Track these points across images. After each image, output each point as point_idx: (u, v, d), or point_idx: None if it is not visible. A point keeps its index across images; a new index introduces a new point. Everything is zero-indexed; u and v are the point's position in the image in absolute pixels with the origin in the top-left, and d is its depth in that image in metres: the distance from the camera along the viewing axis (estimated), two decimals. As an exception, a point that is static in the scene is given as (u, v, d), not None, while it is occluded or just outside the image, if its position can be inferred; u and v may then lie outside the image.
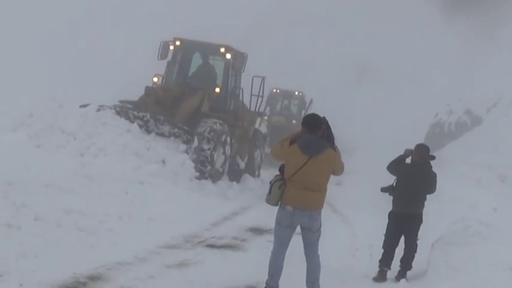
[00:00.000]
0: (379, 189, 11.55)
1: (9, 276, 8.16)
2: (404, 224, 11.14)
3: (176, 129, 18.68)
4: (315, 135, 8.49)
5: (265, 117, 34.76)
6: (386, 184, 11.43)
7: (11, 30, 40.43)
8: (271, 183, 8.62)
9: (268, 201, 8.67)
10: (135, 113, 18.65)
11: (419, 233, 11.31)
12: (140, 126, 18.27)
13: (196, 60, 22.82)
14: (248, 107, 23.08)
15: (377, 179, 13.85)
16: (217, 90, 21.54)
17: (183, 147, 18.34)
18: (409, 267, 11.20)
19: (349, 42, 48.68)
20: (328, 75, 46.35)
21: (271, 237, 9.31)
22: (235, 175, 21.98)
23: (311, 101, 35.63)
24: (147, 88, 20.15)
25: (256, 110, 22.89)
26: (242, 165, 22.61)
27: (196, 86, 21.20)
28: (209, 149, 18.51)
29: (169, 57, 21.94)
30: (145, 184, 15.22)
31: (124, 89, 22.62)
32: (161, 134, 18.50)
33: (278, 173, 8.84)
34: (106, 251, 10.27)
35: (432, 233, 12.46)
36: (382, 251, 11.29)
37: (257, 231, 14.25)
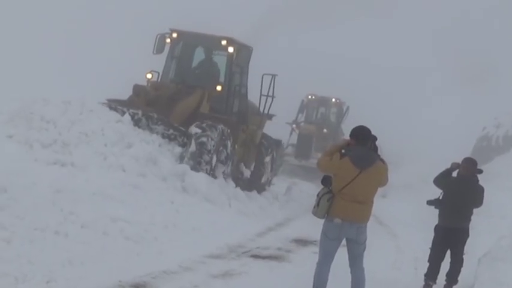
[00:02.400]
0: (426, 203, 11.44)
1: (56, 283, 8.24)
2: (450, 238, 11.02)
3: (171, 130, 16.82)
4: (365, 147, 8.45)
5: (294, 125, 34.20)
6: (432, 197, 11.32)
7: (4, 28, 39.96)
8: (319, 196, 8.57)
9: (315, 213, 8.62)
10: (125, 109, 16.75)
11: (465, 247, 11.17)
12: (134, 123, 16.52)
13: (196, 55, 20.56)
14: (258, 109, 20.71)
15: (423, 192, 13.77)
16: (219, 88, 19.07)
17: (178, 150, 16.55)
18: (455, 282, 11.06)
19: (388, 47, 47.90)
20: (365, 80, 45.60)
21: (316, 249, 9.28)
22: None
23: (347, 108, 34.84)
24: (136, 87, 17.79)
25: (266, 111, 20.56)
26: (247, 173, 20.09)
27: (195, 84, 19.13)
28: (210, 157, 16.60)
29: (166, 52, 19.85)
30: (191, 193, 15.28)
31: (119, 87, 19.95)
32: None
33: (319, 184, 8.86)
34: (151, 259, 10.32)
35: (479, 247, 12.30)
36: (428, 264, 11.18)
37: (301, 242, 14.21)
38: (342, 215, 8.39)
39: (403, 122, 43.19)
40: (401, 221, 18.88)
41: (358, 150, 8.39)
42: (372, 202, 8.67)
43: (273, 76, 20.00)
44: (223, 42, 19.05)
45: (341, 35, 47.77)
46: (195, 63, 20.33)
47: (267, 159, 21.07)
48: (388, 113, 42.11)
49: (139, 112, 16.70)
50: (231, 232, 13.56)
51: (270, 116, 21.20)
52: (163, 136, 16.59)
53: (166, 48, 19.71)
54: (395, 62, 47.88)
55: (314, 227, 9.60)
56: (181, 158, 16.20)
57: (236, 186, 17.76)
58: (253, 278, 10.46)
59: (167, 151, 16.18)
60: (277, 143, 22.56)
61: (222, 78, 19.62)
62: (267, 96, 20.17)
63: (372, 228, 8.86)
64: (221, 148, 17.33)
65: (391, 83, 48.05)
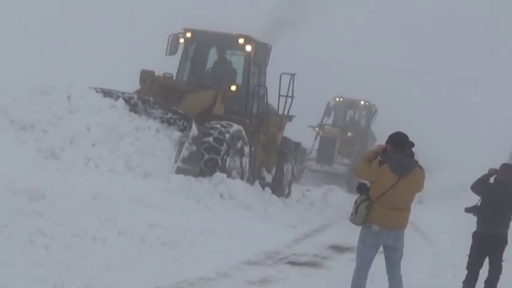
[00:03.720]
0: (463, 209, 11.34)
1: (94, 289, 8.32)
2: (488, 244, 10.90)
3: (170, 114, 15.62)
4: (403, 154, 8.40)
5: (316, 129, 32.75)
6: (470, 204, 11.22)
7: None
8: (357, 203, 8.52)
9: (353, 220, 8.58)
10: (120, 93, 15.80)
11: (504, 254, 11.06)
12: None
13: (211, 55, 19.53)
14: (276, 110, 19.71)
15: (460, 199, 13.67)
16: (233, 88, 18.03)
17: (177, 135, 15.28)
18: (494, 289, 10.97)
19: (422, 48, 47.21)
20: (394, 82, 44.79)
21: (353, 256, 9.25)
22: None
23: (375, 111, 34.00)
24: (143, 72, 16.63)
25: (285, 113, 19.60)
26: (268, 178, 19.34)
27: (211, 86, 18.19)
28: (222, 150, 15.71)
29: (179, 53, 18.89)
30: (226, 199, 15.31)
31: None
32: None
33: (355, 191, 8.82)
34: (188, 265, 10.33)
35: (518, 254, 12.18)
36: (466, 272, 11.09)
37: (338, 249, 14.15)
38: (380, 221, 8.35)
39: (437, 126, 42.54)
40: (438, 228, 18.73)
41: (397, 157, 8.33)
42: (410, 209, 8.62)
43: (292, 75, 19.20)
44: (241, 41, 18.29)
45: (366, 33, 47.14)
46: (210, 63, 19.51)
47: (288, 163, 20.37)
48: (421, 117, 41.50)
49: (135, 96, 15.81)
50: (268, 238, 13.55)
51: (290, 118, 20.39)
52: (162, 120, 15.52)
53: (180, 49, 18.92)
54: (429, 64, 47.40)
55: (350, 233, 9.58)
56: (181, 143, 14.99)
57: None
58: (290, 285, 10.44)
59: (165, 137, 15.11)
60: (297, 145, 21.68)
61: (239, 79, 18.82)
62: (286, 96, 19.33)
63: (408, 234, 8.81)
64: (237, 149, 16.57)
65: (423, 86, 47.41)
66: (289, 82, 19.18)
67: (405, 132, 8.60)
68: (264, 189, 17.88)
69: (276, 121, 19.68)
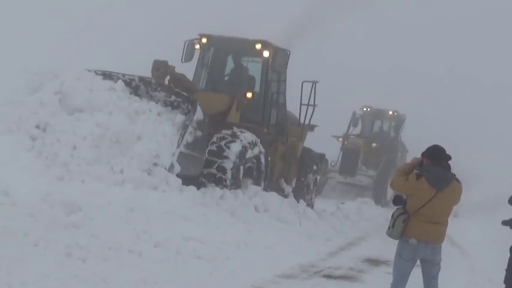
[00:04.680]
0: (500, 222, 11.21)
1: (130, 302, 8.33)
2: (527, 258, 10.77)
3: (173, 97, 14.58)
4: (440, 167, 8.34)
5: (341, 139, 32.20)
6: (507, 217, 11.08)
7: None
8: (394, 217, 8.47)
9: (390, 234, 8.53)
10: (121, 75, 14.86)
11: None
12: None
13: (228, 61, 18.95)
14: (297, 119, 19.14)
15: (497, 212, 13.53)
16: (249, 95, 17.24)
17: (180, 118, 14.25)
18: (533, 304, 10.80)
19: (455, 55, 46.43)
20: (425, 90, 44.14)
21: (388, 269, 9.19)
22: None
23: (403, 120, 33.31)
24: (156, 62, 15.47)
25: (307, 122, 19.07)
26: (288, 190, 18.49)
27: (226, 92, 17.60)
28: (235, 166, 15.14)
29: (195, 59, 18.37)
30: (261, 212, 15.32)
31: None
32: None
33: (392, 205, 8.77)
34: (224, 279, 10.31)
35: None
36: (504, 286, 10.95)
37: (373, 262, 14.05)
38: (417, 235, 8.29)
39: (472, 136, 41.48)
40: (474, 241, 18.59)
41: (434, 171, 8.27)
42: (447, 222, 8.55)
43: (314, 83, 18.63)
44: (258, 46, 17.65)
45: (394, 39, 46.55)
46: (227, 70, 18.92)
47: (309, 174, 19.76)
48: (454, 127, 40.79)
49: (136, 78, 14.79)
50: (303, 251, 13.50)
51: (311, 127, 19.82)
52: (165, 104, 14.55)
53: (196, 56, 18.46)
54: (463, 71, 46.80)
55: (386, 246, 9.53)
56: (185, 127, 13.97)
57: None
58: (326, 298, 10.41)
59: (167, 120, 14.15)
60: (321, 156, 21.09)
61: (257, 86, 18.17)
62: (308, 105, 18.79)
63: (444, 248, 8.72)
64: (250, 158, 15.87)
65: (456, 94, 46.64)
66: (311, 90, 18.65)
67: (440, 144, 8.56)
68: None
69: (297, 131, 19.18)
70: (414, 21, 46.01)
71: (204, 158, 14.54)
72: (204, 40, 18.16)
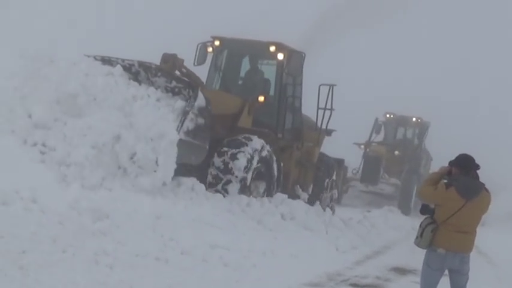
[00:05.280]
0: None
1: (157, 309, 8.35)
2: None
3: (174, 82, 13.72)
4: (470, 177, 8.30)
5: (362, 146, 31.54)
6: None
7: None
8: (422, 227, 8.44)
9: (418, 244, 8.50)
10: (120, 60, 14.03)
11: None
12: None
13: (242, 64, 18.45)
14: (314, 124, 18.74)
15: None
16: (261, 99, 16.67)
17: (180, 104, 13.30)
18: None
19: (481, 61, 45.88)
20: (449, 96, 43.58)
21: (416, 278, 9.16)
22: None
23: (427, 127, 32.57)
24: (166, 55, 14.45)
25: (324, 126, 18.61)
26: (304, 197, 17.91)
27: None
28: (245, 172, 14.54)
29: (208, 62, 17.92)
30: (287, 220, 15.30)
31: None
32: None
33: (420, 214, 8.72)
34: (250, 286, 10.31)
35: None
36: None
37: (400, 271, 13.98)
38: (445, 245, 8.26)
39: (498, 144, 40.73)
40: (501, 251, 18.43)
41: (464, 180, 8.23)
42: (476, 232, 8.52)
43: (331, 86, 18.15)
44: (272, 48, 17.16)
45: (418, 44, 46.08)
46: (240, 73, 18.47)
47: (326, 181, 19.29)
48: (480, 135, 40.08)
49: (135, 62, 13.95)
50: (329, 260, 13.50)
51: (329, 132, 19.33)
52: (166, 90, 13.72)
53: (209, 59, 18.03)
54: (490, 77, 46.32)
55: (413, 255, 9.49)
56: (184, 113, 13.08)
57: None
58: (353, 307, 10.37)
59: (167, 106, 13.31)
60: (339, 162, 20.70)
61: (271, 89, 17.66)
62: (325, 109, 18.34)
63: (471, 257, 8.68)
64: (259, 165, 15.21)
65: (482, 101, 46.15)
66: (328, 93, 18.26)
67: (467, 153, 8.52)
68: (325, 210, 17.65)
69: (313, 135, 18.73)
70: (441, 26, 45.76)
71: (207, 147, 13.69)
72: (217, 43, 17.78)
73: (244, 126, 16.05)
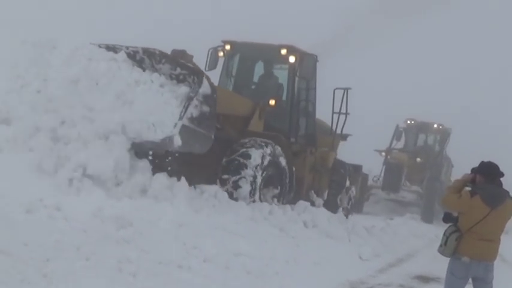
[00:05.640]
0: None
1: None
2: None
3: (179, 69, 13.06)
4: (494, 185, 8.25)
5: (383, 153, 31.16)
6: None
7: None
8: (446, 235, 8.41)
9: (442, 252, 8.46)
10: (125, 47, 13.50)
11: None
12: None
13: (253, 68, 18.26)
14: (329, 128, 18.65)
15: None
16: (272, 102, 16.62)
17: (184, 90, 12.75)
18: None
19: (503, 68, 45.24)
20: (470, 102, 43.06)
21: (439, 286, 9.15)
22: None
23: (449, 134, 32.09)
24: (175, 51, 13.85)
25: (339, 131, 18.45)
26: (319, 202, 17.70)
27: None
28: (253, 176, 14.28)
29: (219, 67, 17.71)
30: (310, 227, 15.28)
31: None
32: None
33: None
34: (273, 294, 10.33)
35: None
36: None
37: (424, 279, 13.92)
38: (470, 253, 8.22)
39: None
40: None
41: (489, 188, 8.18)
42: (500, 240, 8.48)
43: (346, 90, 18.05)
44: (283, 51, 16.92)
45: (439, 49, 45.64)
46: (252, 77, 18.28)
47: (342, 186, 19.04)
48: (500, 141, 39.74)
49: (140, 49, 13.44)
50: (352, 268, 13.44)
51: (344, 136, 19.17)
52: (170, 77, 13.10)
53: (220, 63, 17.84)
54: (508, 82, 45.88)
55: (436, 263, 9.43)
56: (188, 99, 12.54)
57: None
58: (376, 316, 10.33)
59: (169, 92, 12.80)
60: (356, 168, 20.50)
61: (284, 94, 17.48)
62: (339, 113, 18.22)
63: (495, 265, 8.63)
64: (270, 169, 14.94)
65: (503, 107, 45.75)
66: (343, 97, 18.14)
67: (491, 160, 8.47)
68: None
69: (328, 140, 18.56)
70: (465, 30, 45.35)
71: (212, 137, 13.18)
72: (228, 47, 17.65)
73: (255, 130, 15.90)
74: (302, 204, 15.74)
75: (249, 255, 11.42)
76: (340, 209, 18.41)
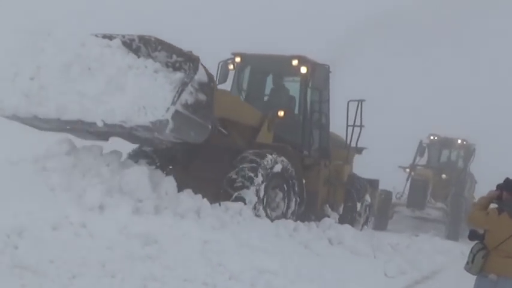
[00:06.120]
0: None
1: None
2: None
3: (175, 57, 12.28)
4: None
5: (407, 170, 30.47)
6: None
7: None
8: (473, 253, 8.35)
9: (469, 270, 8.40)
10: (121, 36, 12.68)
11: None
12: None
13: (264, 80, 17.93)
14: (343, 141, 18.32)
15: None
16: (281, 113, 16.13)
17: (178, 76, 12.04)
18: None
19: None
20: (494, 119, 42.64)
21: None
22: None
23: (473, 150, 31.41)
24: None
25: (354, 144, 18.16)
26: (334, 216, 17.24)
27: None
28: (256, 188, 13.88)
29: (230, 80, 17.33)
30: (335, 245, 15.22)
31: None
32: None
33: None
34: (298, 312, 10.29)
35: None
36: None
37: (450, 297, 13.86)
38: (497, 270, 8.16)
39: None
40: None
41: (516, 205, 8.13)
42: (526, 257, 8.39)
43: (360, 102, 17.78)
44: (295, 62, 16.51)
45: (462, 62, 45.05)
46: (264, 89, 17.95)
47: (358, 201, 18.52)
48: None
49: (136, 37, 12.63)
50: (378, 285, 13.40)
51: (359, 150, 18.84)
52: (166, 65, 12.33)
53: (231, 76, 17.45)
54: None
55: (462, 280, 9.33)
56: (183, 84, 11.88)
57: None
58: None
59: (164, 78, 12.06)
60: (373, 183, 20.04)
61: (296, 106, 17.16)
62: (354, 126, 17.89)
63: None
64: (275, 180, 14.59)
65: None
66: (357, 109, 17.87)
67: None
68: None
69: (342, 153, 18.18)
70: (489, 43, 44.93)
71: (209, 126, 12.73)
72: (238, 59, 17.28)
73: (264, 141, 15.47)
74: (327, 221, 15.69)
75: (274, 272, 11.36)
76: (360, 224, 18.22)
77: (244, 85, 17.82)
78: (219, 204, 13.23)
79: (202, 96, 12.30)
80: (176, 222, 11.63)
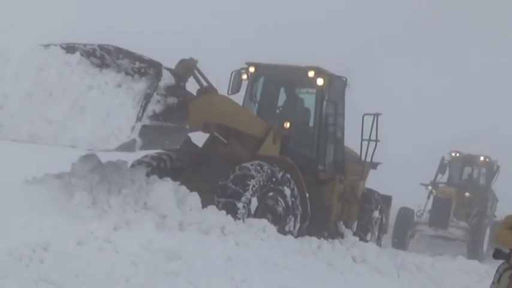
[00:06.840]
0: None
1: None
2: None
3: (138, 63, 11.34)
4: None
5: (429, 187, 29.79)
6: None
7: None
8: (500, 272, 8.29)
9: (495, 290, 8.35)
10: (82, 45, 11.91)
11: None
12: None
13: (279, 91, 17.53)
14: (357, 155, 17.86)
15: None
16: (287, 125, 15.38)
17: (141, 86, 11.22)
18: None
19: None
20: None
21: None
22: None
23: (497, 168, 30.65)
24: (182, 59, 13.13)
25: (369, 159, 17.69)
26: (348, 233, 16.75)
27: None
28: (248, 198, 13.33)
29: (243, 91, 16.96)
30: (358, 262, 15.16)
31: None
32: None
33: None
34: (322, 330, 10.25)
35: None
36: None
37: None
38: (523, 290, 8.08)
39: None
40: None
41: (543, 223, 8.08)
42: (552, 275, 8.32)
43: (375, 116, 17.28)
44: (311, 74, 15.93)
45: (485, 77, 44.69)
46: (277, 100, 17.49)
47: (372, 217, 18.15)
48: None
49: (96, 46, 11.77)
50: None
51: (374, 165, 18.31)
52: (133, 71, 11.47)
53: (244, 87, 17.08)
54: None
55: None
56: (146, 96, 11.06)
57: None
58: None
59: (125, 92, 11.33)
60: (386, 199, 19.37)
61: (310, 119, 16.65)
62: (369, 140, 17.33)
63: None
64: (271, 193, 14.01)
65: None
66: (372, 124, 17.34)
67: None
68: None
69: (357, 168, 17.64)
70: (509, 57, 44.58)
71: (187, 126, 12.05)
72: (252, 69, 16.76)
73: (268, 154, 14.73)
74: (351, 238, 15.63)
75: (297, 289, 11.38)
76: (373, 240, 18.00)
77: (258, 96, 17.40)
78: (243, 221, 13.17)
79: (172, 100, 11.54)
80: (200, 238, 11.64)
